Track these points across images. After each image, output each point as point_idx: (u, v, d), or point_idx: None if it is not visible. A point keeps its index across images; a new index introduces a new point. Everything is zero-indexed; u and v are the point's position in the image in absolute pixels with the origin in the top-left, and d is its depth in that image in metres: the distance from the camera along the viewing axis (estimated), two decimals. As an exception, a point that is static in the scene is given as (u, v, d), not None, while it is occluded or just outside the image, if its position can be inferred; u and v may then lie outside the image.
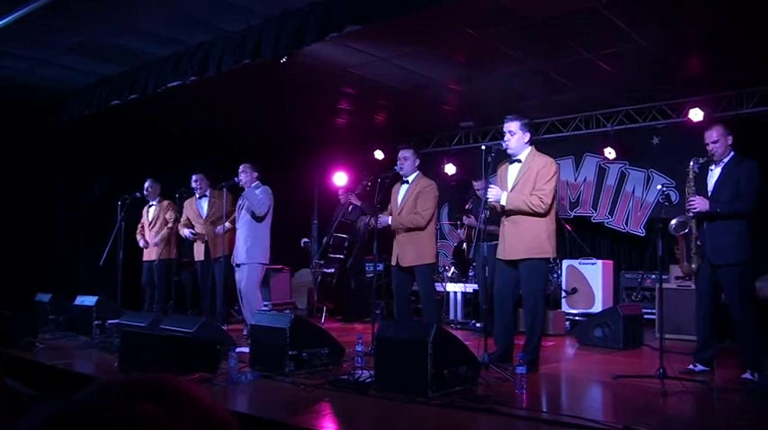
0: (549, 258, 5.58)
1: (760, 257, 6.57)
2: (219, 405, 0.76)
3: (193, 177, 8.42)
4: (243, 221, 7.49)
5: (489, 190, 5.48)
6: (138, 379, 0.73)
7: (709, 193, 5.31)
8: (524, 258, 5.42)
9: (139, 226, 8.95)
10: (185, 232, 8.33)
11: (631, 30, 6.60)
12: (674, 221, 5.39)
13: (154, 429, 0.66)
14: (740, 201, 5.15)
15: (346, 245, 9.74)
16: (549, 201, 5.39)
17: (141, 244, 8.82)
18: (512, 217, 5.50)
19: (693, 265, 5.38)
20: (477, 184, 8.56)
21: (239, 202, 7.69)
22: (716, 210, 5.16)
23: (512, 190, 5.51)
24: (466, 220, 8.91)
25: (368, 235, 6.64)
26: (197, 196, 8.47)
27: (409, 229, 6.38)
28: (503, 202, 5.45)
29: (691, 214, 5.30)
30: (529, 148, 5.62)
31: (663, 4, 6.09)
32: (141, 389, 0.71)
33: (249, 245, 7.35)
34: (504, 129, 5.64)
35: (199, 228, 8.35)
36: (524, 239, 5.41)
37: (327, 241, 9.91)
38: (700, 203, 5.23)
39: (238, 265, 7.44)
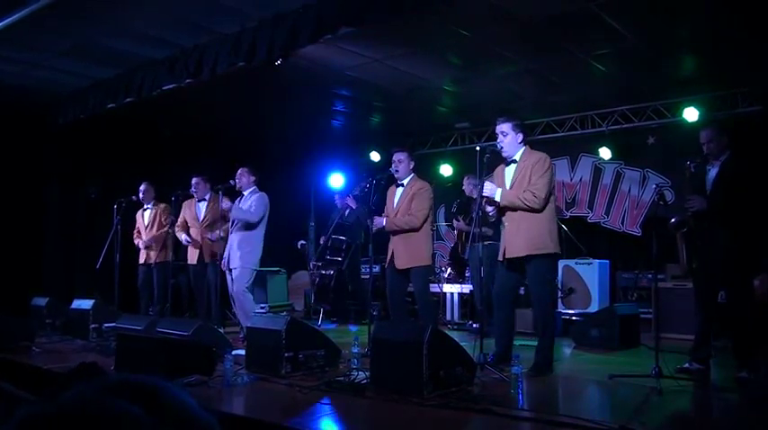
0: (553, 254, 5.50)
1: (759, 255, 6.58)
2: (207, 412, 0.76)
3: (193, 180, 8.40)
4: (237, 227, 7.49)
5: (485, 185, 5.49)
6: (123, 379, 0.74)
7: (708, 192, 5.32)
8: (527, 256, 5.38)
9: (135, 231, 8.94)
10: (182, 237, 8.32)
11: (625, 30, 6.62)
12: (673, 220, 5.41)
13: (132, 428, 0.66)
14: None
15: (344, 247, 9.75)
16: (543, 196, 5.36)
17: (141, 245, 8.82)
18: (511, 216, 5.50)
19: (694, 265, 5.41)
20: (466, 181, 8.56)
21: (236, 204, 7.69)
22: (714, 207, 5.18)
23: (508, 189, 5.52)
24: (456, 224, 8.92)
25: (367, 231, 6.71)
26: (196, 199, 8.47)
27: (404, 231, 6.39)
28: (497, 198, 5.45)
29: (689, 213, 5.31)
30: (523, 148, 5.63)
31: (656, 4, 6.10)
32: (124, 390, 0.71)
33: (243, 250, 7.36)
34: (497, 131, 5.65)
35: (194, 232, 8.33)
36: (525, 236, 5.38)
37: (325, 243, 9.92)
38: (698, 202, 5.25)
39: (230, 270, 7.44)
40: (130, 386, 0.72)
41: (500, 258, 5.59)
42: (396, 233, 6.47)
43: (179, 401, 0.73)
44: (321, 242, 10.11)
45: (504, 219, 5.61)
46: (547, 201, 5.44)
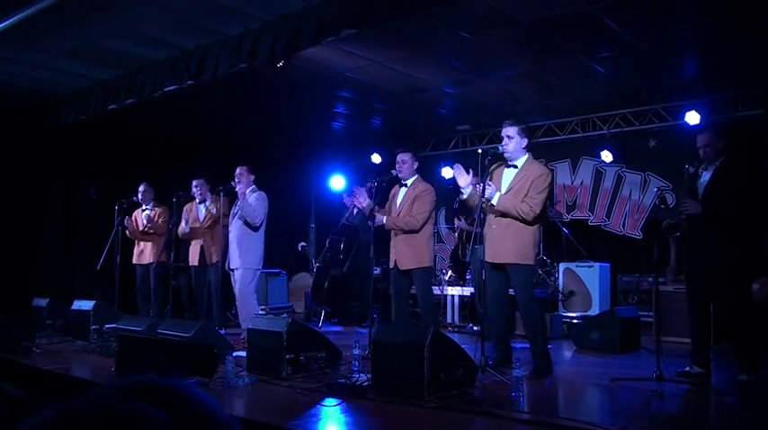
0: (532, 265, 5.63)
1: (755, 258, 6.58)
2: (225, 411, 0.76)
3: (194, 182, 8.40)
4: (235, 226, 7.50)
5: (485, 187, 5.50)
6: (142, 381, 0.74)
7: (700, 196, 5.33)
8: (510, 263, 5.45)
9: (131, 228, 8.93)
10: (182, 224, 8.32)
11: (626, 32, 6.62)
12: (666, 223, 5.42)
13: None
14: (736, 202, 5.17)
15: (341, 247, 9.74)
16: (538, 211, 5.43)
17: (139, 226, 8.84)
18: (500, 220, 5.52)
19: (683, 267, 5.42)
20: (473, 180, 8.57)
21: (234, 207, 7.69)
22: (708, 211, 5.18)
23: (505, 194, 5.53)
24: (457, 223, 8.92)
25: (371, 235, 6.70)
26: (197, 201, 8.47)
27: (404, 232, 6.40)
28: (493, 202, 5.47)
29: (683, 217, 5.32)
30: (526, 155, 5.64)
31: (657, 8, 6.11)
32: (145, 392, 0.71)
33: (242, 250, 7.36)
34: (503, 134, 5.67)
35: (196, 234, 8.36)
36: (510, 244, 5.44)
37: (328, 245, 9.93)
38: (692, 206, 5.26)
39: (232, 270, 7.45)
40: (154, 388, 0.72)
41: (487, 259, 5.61)
42: (397, 234, 6.48)
43: (202, 403, 0.73)
44: (328, 242, 10.12)
45: (491, 220, 5.63)
46: (541, 216, 5.52)
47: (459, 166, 5.70)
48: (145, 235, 8.85)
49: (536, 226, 5.54)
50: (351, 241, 9.79)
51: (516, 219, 5.43)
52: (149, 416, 0.67)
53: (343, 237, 9.77)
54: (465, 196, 5.67)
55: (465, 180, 5.63)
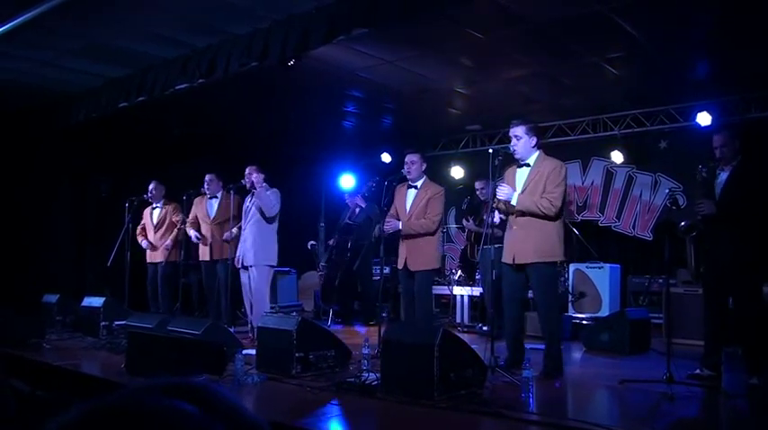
0: (558, 262, 5.57)
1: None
2: (254, 412, 0.78)
3: (206, 177, 8.43)
4: (251, 223, 7.50)
5: (500, 188, 5.47)
6: (175, 381, 0.75)
7: (717, 197, 5.30)
8: (533, 262, 5.38)
9: (140, 227, 8.97)
10: (191, 233, 8.34)
11: (637, 33, 6.59)
12: (683, 224, 5.39)
13: (190, 427, 0.67)
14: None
15: (350, 246, 9.75)
16: (559, 205, 5.37)
17: (144, 244, 8.83)
18: (521, 220, 5.48)
19: (702, 269, 5.38)
20: (478, 184, 8.58)
21: (246, 204, 7.70)
22: (722, 212, 5.15)
23: (521, 193, 5.50)
24: (465, 224, 8.91)
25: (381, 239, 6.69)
26: (207, 196, 8.49)
27: (419, 234, 6.39)
28: (513, 202, 5.43)
29: (699, 217, 5.29)
30: (537, 152, 5.62)
31: (668, 8, 6.08)
32: (180, 390, 0.72)
33: (257, 247, 7.36)
34: (510, 134, 5.64)
35: (205, 228, 8.37)
36: (534, 242, 5.37)
37: (333, 244, 9.93)
38: (707, 207, 5.23)
39: (247, 267, 7.44)
40: (181, 386, 0.73)
41: (507, 261, 5.58)
42: (408, 236, 6.47)
43: (230, 402, 0.74)
44: (329, 243, 10.13)
45: (511, 222, 5.60)
46: (562, 209, 5.44)
47: (502, 184, 5.59)
48: (156, 233, 8.87)
49: (559, 221, 5.46)
50: (359, 241, 9.79)
51: (538, 216, 5.38)
52: (181, 410, 0.68)
53: (351, 236, 9.77)
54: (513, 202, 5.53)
55: (507, 192, 5.51)
